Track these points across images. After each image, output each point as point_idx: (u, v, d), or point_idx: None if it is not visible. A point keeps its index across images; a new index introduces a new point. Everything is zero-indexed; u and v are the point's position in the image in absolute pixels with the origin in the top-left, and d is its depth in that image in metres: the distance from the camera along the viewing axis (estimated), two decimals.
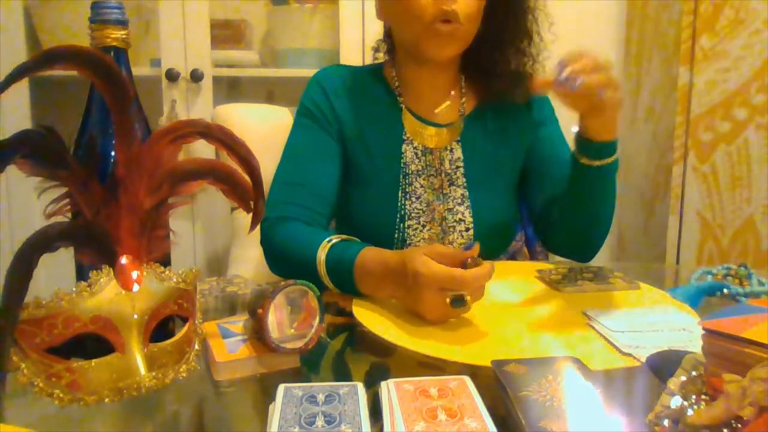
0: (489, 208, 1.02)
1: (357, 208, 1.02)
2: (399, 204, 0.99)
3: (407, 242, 0.99)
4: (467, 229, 1.00)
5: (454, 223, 1.00)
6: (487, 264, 0.70)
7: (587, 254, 1.02)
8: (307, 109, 1.02)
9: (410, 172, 1.00)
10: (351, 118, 1.01)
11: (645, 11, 1.90)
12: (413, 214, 0.99)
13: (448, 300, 0.68)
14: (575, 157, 0.92)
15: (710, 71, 1.66)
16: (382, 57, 1.10)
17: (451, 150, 1.02)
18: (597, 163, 0.89)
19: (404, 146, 1.01)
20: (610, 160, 0.89)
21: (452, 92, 1.04)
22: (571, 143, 0.95)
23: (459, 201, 1.01)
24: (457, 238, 1.00)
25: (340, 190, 1.01)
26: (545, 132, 1.07)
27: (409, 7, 0.91)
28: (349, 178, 1.02)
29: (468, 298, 0.68)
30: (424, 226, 0.99)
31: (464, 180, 1.01)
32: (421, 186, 1.00)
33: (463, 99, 1.05)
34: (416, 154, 1.01)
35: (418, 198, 1.00)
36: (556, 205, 1.01)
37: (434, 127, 1.02)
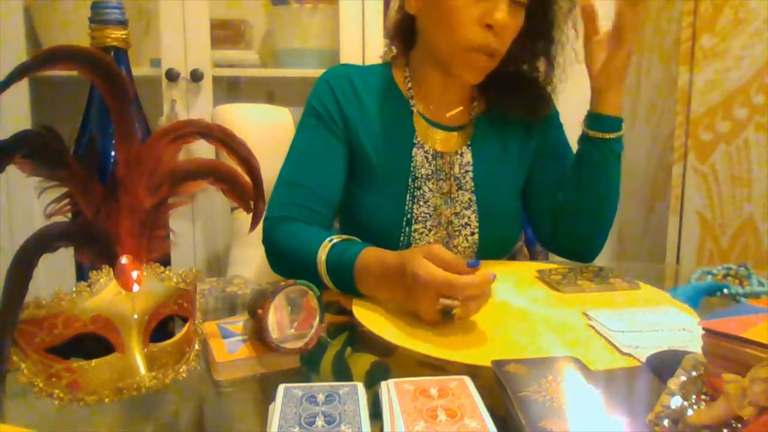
0: (495, 212, 1.02)
1: (363, 209, 1.01)
2: (406, 207, 0.99)
3: (412, 246, 0.98)
4: (472, 233, 1.00)
5: (460, 227, 1.00)
6: (484, 272, 0.68)
7: (588, 253, 1.02)
8: (314, 109, 1.00)
9: (419, 176, 0.99)
10: (360, 120, 1.00)
11: (645, 11, 1.90)
12: (420, 218, 0.99)
13: (439, 308, 0.68)
14: (584, 133, 0.99)
15: (710, 71, 1.66)
16: (392, 50, 1.08)
17: (461, 154, 1.01)
18: (605, 135, 0.96)
19: (414, 150, 1.00)
20: (614, 135, 0.97)
21: (465, 97, 1.03)
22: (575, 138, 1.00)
23: (466, 205, 1.00)
24: (462, 242, 1.00)
25: (345, 191, 1.00)
26: (550, 136, 1.07)
27: (454, 27, 0.90)
28: (357, 180, 1.01)
29: (457, 311, 0.67)
30: (430, 230, 0.99)
31: (472, 184, 1.01)
32: (430, 190, 0.99)
33: (475, 103, 1.04)
34: (426, 158, 1.00)
35: (426, 202, 0.99)
36: (561, 195, 1.02)
37: (444, 131, 1.01)
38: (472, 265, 0.69)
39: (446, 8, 0.90)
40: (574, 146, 1.08)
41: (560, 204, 1.02)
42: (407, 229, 0.98)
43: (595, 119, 0.98)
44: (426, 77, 1.01)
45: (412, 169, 0.99)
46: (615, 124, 0.97)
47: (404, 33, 1.04)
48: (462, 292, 0.67)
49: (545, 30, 0.99)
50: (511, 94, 1.02)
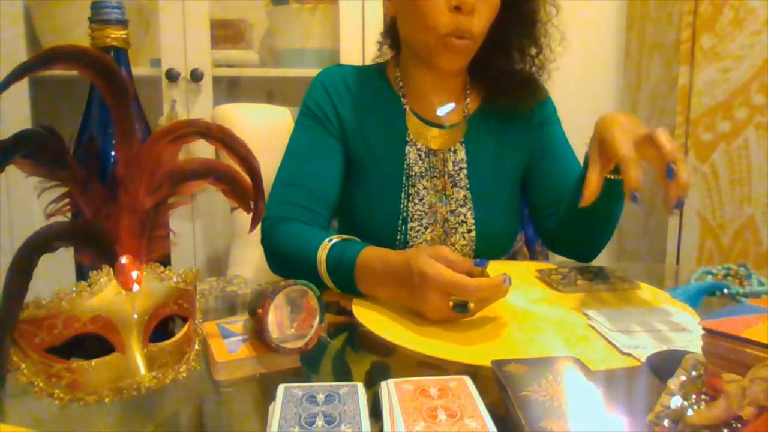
0: (491, 210, 1.02)
1: (359, 208, 1.02)
2: (401, 205, 0.99)
3: (409, 244, 0.99)
4: (469, 231, 1.00)
5: (456, 225, 1.00)
6: (496, 276, 0.68)
7: (589, 256, 1.02)
8: (309, 110, 1.02)
9: (413, 173, 1.00)
10: (354, 119, 1.01)
11: (645, 11, 1.91)
12: (415, 216, 0.99)
13: (451, 304, 0.68)
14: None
15: (710, 71, 1.66)
16: (387, 51, 1.09)
17: (455, 151, 1.02)
18: (617, 176, 0.85)
19: (407, 147, 1.01)
20: None
21: (456, 94, 1.04)
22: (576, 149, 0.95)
23: (461, 203, 1.01)
24: (459, 240, 1.00)
25: (342, 191, 1.00)
26: (547, 132, 1.07)
27: (424, 16, 0.90)
28: (352, 179, 1.02)
29: (471, 305, 0.68)
30: (426, 228, 0.99)
31: (467, 182, 1.01)
32: (424, 188, 1.00)
33: (468, 100, 1.05)
34: (419, 155, 1.00)
35: (420, 200, 0.99)
36: (563, 210, 1.00)
37: (438, 129, 1.02)
38: (480, 264, 0.69)
39: (416, 1, 0.91)
40: (573, 143, 1.08)
41: (564, 215, 1.00)
42: (403, 227, 0.99)
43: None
44: (414, 76, 1.02)
45: (405, 167, 1.00)
46: None
47: (392, 36, 1.06)
48: (473, 295, 0.67)
49: (525, 9, 0.99)
50: (503, 87, 1.02)
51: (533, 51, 1.02)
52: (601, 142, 0.78)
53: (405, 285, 0.73)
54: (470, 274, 0.69)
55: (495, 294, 0.69)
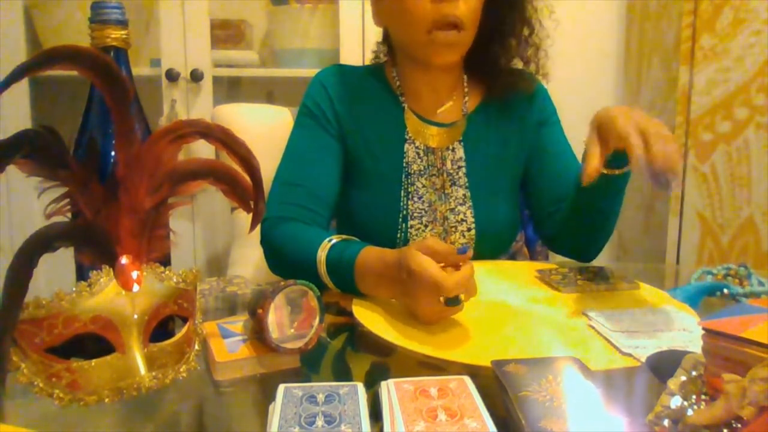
0: (491, 208, 1.02)
1: (359, 207, 1.02)
2: (401, 204, 0.99)
3: (409, 242, 0.99)
4: (469, 229, 1.00)
5: (456, 223, 1.00)
6: (466, 265, 0.69)
7: (589, 255, 1.02)
8: (308, 109, 1.02)
9: (412, 171, 1.00)
10: (353, 118, 1.01)
11: (645, 11, 1.91)
12: (415, 214, 0.99)
13: (442, 299, 0.68)
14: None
15: (710, 71, 1.66)
16: (383, 58, 1.10)
17: (453, 150, 1.02)
18: (616, 172, 0.87)
19: (406, 146, 1.01)
20: (625, 169, 0.88)
21: (454, 91, 1.04)
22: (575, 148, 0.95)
23: (461, 201, 1.01)
24: (459, 238, 1.00)
25: (341, 190, 1.01)
26: (547, 131, 1.07)
27: (408, 12, 0.91)
28: (351, 178, 1.02)
29: (462, 297, 0.68)
30: (426, 226, 0.99)
31: (466, 180, 1.01)
32: (423, 186, 1.00)
33: (466, 98, 1.05)
34: (418, 153, 1.01)
35: (420, 198, 1.00)
36: (563, 209, 1.00)
37: (436, 127, 1.02)
38: (462, 251, 0.70)
39: (398, 3, 0.92)
40: (572, 143, 1.08)
41: (563, 214, 1.01)
42: (404, 225, 0.99)
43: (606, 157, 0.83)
44: (410, 76, 1.03)
45: (404, 164, 1.00)
46: (626, 158, 0.83)
47: (388, 44, 1.07)
48: (447, 292, 0.67)
49: None
50: (501, 78, 1.03)
51: (526, 31, 1.02)
52: (599, 125, 0.79)
53: (399, 282, 0.73)
54: (458, 267, 0.69)
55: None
